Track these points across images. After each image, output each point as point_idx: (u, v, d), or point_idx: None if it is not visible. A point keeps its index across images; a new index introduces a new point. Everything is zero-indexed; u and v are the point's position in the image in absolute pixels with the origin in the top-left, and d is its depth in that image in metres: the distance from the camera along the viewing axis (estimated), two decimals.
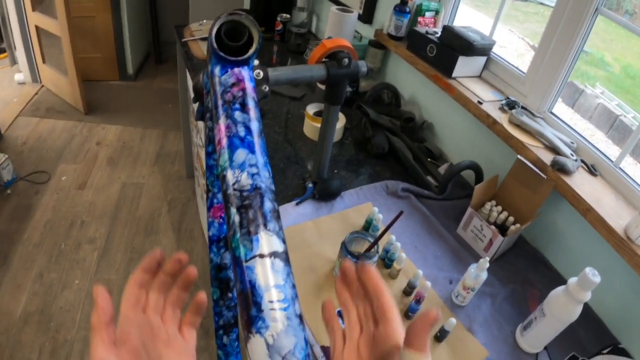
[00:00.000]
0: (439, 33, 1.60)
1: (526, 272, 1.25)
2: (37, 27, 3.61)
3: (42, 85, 3.99)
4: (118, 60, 4.13)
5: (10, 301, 2.16)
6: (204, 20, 2.29)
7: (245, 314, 0.40)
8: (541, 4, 1.36)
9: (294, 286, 0.42)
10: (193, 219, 2.78)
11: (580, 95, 1.94)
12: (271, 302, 0.40)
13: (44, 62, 3.83)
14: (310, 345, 0.97)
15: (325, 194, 1.32)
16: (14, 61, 4.07)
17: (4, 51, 4.24)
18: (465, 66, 1.55)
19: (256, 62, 0.84)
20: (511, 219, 1.27)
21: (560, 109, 1.91)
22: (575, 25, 1.27)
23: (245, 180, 0.47)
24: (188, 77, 2.14)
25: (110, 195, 2.88)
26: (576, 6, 1.26)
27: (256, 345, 0.38)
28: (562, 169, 1.20)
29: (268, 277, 0.41)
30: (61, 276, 2.32)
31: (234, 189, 0.47)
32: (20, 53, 3.86)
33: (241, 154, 0.49)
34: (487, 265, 1.03)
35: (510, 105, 1.42)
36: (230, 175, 0.48)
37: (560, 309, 0.95)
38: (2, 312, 2.11)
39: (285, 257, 0.44)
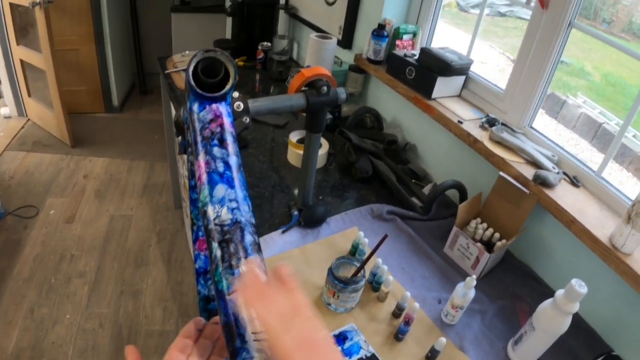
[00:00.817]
0: (417, 55, 1.63)
1: (515, 287, 1.26)
2: (21, 61, 3.63)
3: (28, 119, 3.99)
4: (103, 92, 4.15)
5: (1, 337, 2.14)
6: (187, 52, 2.32)
7: (230, 346, 0.41)
8: (520, 18, 1.39)
9: None
10: (183, 249, 2.78)
11: (563, 106, 1.97)
12: (255, 333, 0.40)
13: (29, 95, 3.84)
14: None
15: (311, 220, 1.33)
16: None
17: None
18: (444, 86, 1.58)
19: (236, 94, 0.86)
20: (497, 235, 1.29)
21: (544, 121, 1.93)
22: (550, 39, 1.31)
23: (225, 215, 0.48)
24: (172, 108, 2.16)
25: (99, 228, 2.87)
26: (550, 21, 1.30)
27: None
28: (544, 183, 1.22)
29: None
30: (52, 311, 2.29)
31: (215, 224, 0.48)
32: (5, 87, 3.87)
33: (221, 190, 0.50)
34: (474, 282, 1.04)
35: (491, 122, 1.45)
36: (210, 211, 0.49)
37: (549, 322, 0.95)
38: None
39: None
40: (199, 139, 0.56)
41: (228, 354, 0.41)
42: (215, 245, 0.46)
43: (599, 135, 1.82)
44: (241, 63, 2.39)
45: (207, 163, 0.52)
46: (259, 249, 0.47)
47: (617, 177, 1.27)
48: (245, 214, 0.49)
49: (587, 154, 1.75)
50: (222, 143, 0.54)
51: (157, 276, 2.57)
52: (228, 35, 2.97)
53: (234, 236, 0.46)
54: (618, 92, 1.91)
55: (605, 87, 2.03)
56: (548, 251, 1.29)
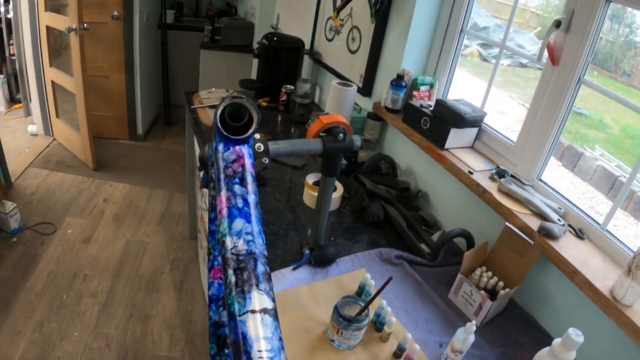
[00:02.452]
0: (433, 106, 1.70)
1: (517, 335, 1.28)
2: (53, 82, 3.78)
3: (54, 139, 4.13)
4: (129, 120, 4.28)
5: (8, 347, 2.18)
6: (213, 89, 2.42)
7: None
8: (540, 69, 1.45)
9: (280, 339, 0.48)
10: (195, 279, 2.82)
11: (580, 158, 1.99)
12: (260, 351, 0.46)
13: (57, 116, 3.97)
14: None
15: (321, 260, 1.38)
16: (28, 112, 4.24)
17: (20, 102, 4.42)
18: (457, 137, 1.64)
19: (257, 136, 0.92)
20: (501, 283, 1.32)
21: (560, 173, 1.95)
22: (560, 95, 1.36)
23: (241, 246, 0.54)
24: (195, 142, 2.24)
25: (114, 251, 2.94)
26: (560, 77, 1.36)
27: None
28: (549, 234, 1.26)
29: (258, 329, 0.47)
30: (61, 327, 2.34)
31: (232, 253, 0.54)
32: (35, 105, 4.02)
33: (239, 223, 0.56)
34: (474, 328, 1.07)
35: (500, 174, 1.50)
36: (228, 241, 0.55)
37: None
38: (0, 358, 2.12)
39: (274, 314, 0.50)
40: (222, 176, 0.62)
41: None
42: (230, 272, 0.52)
43: (615, 188, 1.84)
44: (264, 104, 2.48)
45: (228, 199, 0.58)
46: (269, 278, 0.52)
47: (623, 226, 1.29)
48: (259, 246, 0.54)
49: (603, 207, 1.77)
50: (242, 182, 0.60)
51: (167, 303, 2.61)
52: (253, 75, 3.08)
53: (248, 265, 0.52)
54: (637, 145, 1.92)
55: (623, 140, 2.04)
56: (551, 301, 1.32)
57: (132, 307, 2.54)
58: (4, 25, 4.15)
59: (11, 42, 4.12)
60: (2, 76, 4.46)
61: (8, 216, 2.81)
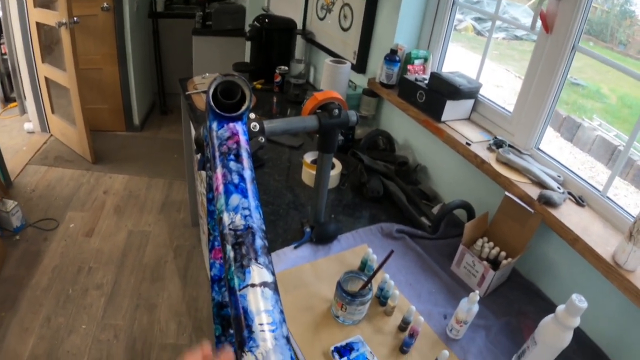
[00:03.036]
0: (427, 79, 1.69)
1: (520, 304, 1.29)
2: (46, 78, 3.75)
3: (51, 135, 4.11)
4: (124, 111, 4.26)
5: (17, 344, 2.20)
6: (207, 74, 2.40)
7: (238, 336, 0.46)
8: (535, 41, 1.44)
9: (282, 312, 0.48)
10: (198, 265, 2.83)
11: (578, 128, 1.99)
12: (261, 324, 0.46)
13: (52, 112, 3.95)
14: None
15: (322, 237, 1.38)
16: (23, 110, 4.22)
17: (14, 100, 4.40)
18: (453, 110, 1.63)
19: (253, 115, 0.92)
20: (503, 253, 1.32)
21: (559, 144, 1.95)
22: (555, 63, 1.35)
23: (239, 221, 0.54)
24: (192, 128, 2.23)
25: (117, 242, 2.95)
26: (554, 45, 1.35)
27: None
28: (549, 202, 1.26)
29: (259, 303, 0.47)
30: (68, 320, 2.36)
31: (229, 229, 0.53)
32: (29, 103, 3.99)
33: (235, 199, 0.56)
34: (478, 298, 1.08)
35: (498, 144, 1.49)
36: (226, 217, 0.55)
37: (550, 337, 0.98)
38: (9, 355, 2.14)
39: (274, 287, 0.50)
40: (217, 154, 0.62)
41: (237, 343, 0.46)
42: (229, 247, 0.52)
43: (614, 158, 1.84)
44: (259, 86, 2.47)
45: (223, 175, 0.58)
46: (268, 252, 0.52)
47: (623, 194, 1.29)
48: (257, 221, 0.54)
49: (603, 177, 1.77)
50: (237, 158, 0.60)
51: (172, 291, 2.62)
52: (247, 58, 3.05)
53: (246, 239, 0.52)
54: (634, 114, 1.92)
55: (621, 109, 2.04)
56: (553, 269, 1.32)
57: (137, 297, 2.56)
58: None
59: (2, 41, 4.09)
60: None
61: (10, 214, 2.81)
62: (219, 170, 0.59)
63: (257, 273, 0.50)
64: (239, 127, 0.64)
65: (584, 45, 1.32)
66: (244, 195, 0.56)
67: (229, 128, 0.64)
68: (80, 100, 3.44)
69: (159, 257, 2.86)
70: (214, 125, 0.65)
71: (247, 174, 0.59)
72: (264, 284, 0.49)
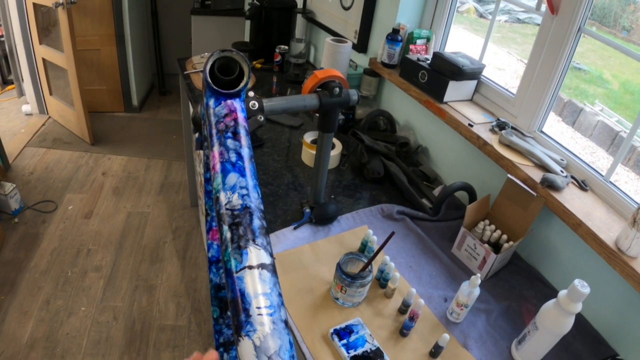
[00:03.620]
0: (430, 59, 1.66)
1: (521, 288, 1.28)
2: (44, 60, 3.71)
3: (49, 117, 4.08)
4: (123, 92, 4.23)
5: (16, 327, 2.20)
6: (205, 53, 2.37)
7: (235, 320, 0.44)
8: (538, 25, 1.41)
9: (280, 295, 0.46)
10: (198, 247, 2.82)
11: (580, 113, 1.97)
12: (259, 308, 0.44)
13: (50, 94, 3.92)
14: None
15: (322, 218, 1.36)
16: (21, 93, 4.19)
17: (12, 83, 4.37)
18: (456, 90, 1.60)
19: (251, 93, 0.89)
20: (504, 237, 1.31)
21: (560, 128, 1.94)
22: (560, 45, 1.33)
23: (236, 200, 0.52)
24: (191, 108, 2.21)
25: (116, 224, 2.94)
26: (559, 27, 1.32)
27: (245, 347, 0.42)
28: (552, 186, 1.24)
29: (256, 286, 0.46)
30: (67, 303, 2.35)
31: (226, 209, 0.52)
32: (27, 85, 3.96)
33: (232, 177, 0.54)
34: (479, 281, 1.06)
35: (501, 126, 1.47)
36: (223, 197, 0.53)
37: (552, 322, 0.97)
38: (9, 338, 2.14)
39: (272, 269, 0.48)
40: (214, 131, 0.60)
41: (234, 327, 0.45)
42: (225, 227, 0.50)
43: (616, 144, 1.83)
44: (259, 65, 2.44)
45: (221, 154, 0.56)
46: (266, 233, 0.51)
47: (625, 179, 1.28)
48: (255, 201, 0.52)
49: (604, 162, 1.76)
50: (235, 136, 0.58)
51: (171, 272, 2.61)
52: (246, 38, 3.02)
53: (244, 220, 0.50)
54: (636, 101, 1.90)
55: (623, 95, 2.03)
56: (555, 253, 1.31)
57: (136, 278, 2.55)
58: None
59: None
60: None
61: (8, 197, 2.79)
62: (216, 148, 0.57)
63: (255, 254, 0.48)
64: (237, 104, 0.62)
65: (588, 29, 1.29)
66: (242, 174, 0.54)
67: (226, 105, 0.61)
68: (79, 82, 3.41)
69: (158, 239, 2.85)
70: (211, 102, 0.63)
71: (245, 152, 0.57)
72: (261, 266, 0.47)
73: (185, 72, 2.21)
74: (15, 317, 2.25)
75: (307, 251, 1.27)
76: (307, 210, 1.37)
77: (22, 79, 4.00)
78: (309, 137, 1.67)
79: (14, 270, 2.50)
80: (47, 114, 4.10)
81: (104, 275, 2.54)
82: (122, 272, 2.58)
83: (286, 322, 0.45)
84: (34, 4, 3.43)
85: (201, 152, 1.02)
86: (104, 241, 2.78)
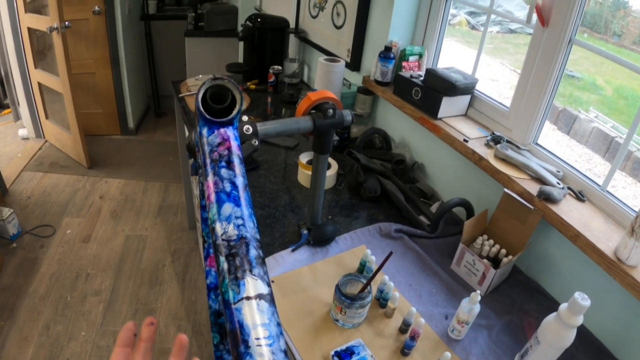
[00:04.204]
0: (423, 76, 1.67)
1: (522, 302, 1.28)
2: (39, 84, 3.72)
3: (46, 141, 4.08)
4: (119, 114, 4.23)
5: (17, 353, 2.18)
6: (200, 75, 2.38)
7: (234, 351, 0.44)
8: (530, 34, 1.42)
9: (279, 324, 0.46)
10: (197, 269, 2.81)
11: (575, 121, 1.98)
12: (258, 339, 0.44)
13: (46, 117, 3.92)
14: None
15: (320, 239, 1.36)
16: (17, 117, 4.20)
17: (8, 107, 4.37)
18: (450, 106, 1.61)
19: (245, 117, 0.90)
20: (503, 251, 1.31)
21: (556, 137, 1.94)
22: (552, 56, 1.34)
23: (232, 231, 0.52)
24: (186, 131, 2.21)
25: (115, 247, 2.92)
26: (550, 38, 1.33)
27: None
28: (548, 198, 1.24)
29: (254, 316, 0.45)
30: (67, 328, 2.34)
31: (222, 239, 0.52)
32: (23, 109, 3.96)
33: (228, 208, 0.54)
34: (479, 298, 1.06)
35: (496, 140, 1.48)
36: (218, 227, 0.53)
37: (553, 336, 0.96)
38: None
39: (270, 299, 0.48)
40: (208, 161, 0.60)
41: (233, 358, 0.44)
42: (222, 258, 0.50)
43: (611, 150, 1.83)
44: (253, 86, 2.45)
45: (215, 183, 0.56)
46: (263, 262, 0.51)
47: (622, 186, 1.28)
48: (251, 230, 0.52)
49: (601, 169, 1.76)
50: (229, 165, 0.58)
51: (171, 295, 2.60)
52: (240, 59, 3.04)
53: (240, 250, 0.50)
54: (631, 105, 1.91)
55: (617, 101, 2.04)
56: (554, 266, 1.31)
57: (136, 302, 2.54)
58: None
59: None
60: None
61: (5, 222, 2.78)
62: (210, 178, 0.57)
63: (252, 285, 0.48)
64: (230, 132, 0.62)
65: (579, 38, 1.31)
66: (237, 203, 0.54)
67: (219, 134, 0.62)
68: (74, 105, 3.41)
69: (157, 262, 2.84)
70: (204, 131, 0.63)
71: (240, 181, 0.57)
72: (259, 297, 0.47)
73: (180, 95, 2.22)
74: (15, 343, 2.23)
75: (305, 273, 1.27)
76: (305, 231, 1.37)
77: (18, 103, 4.01)
78: (304, 157, 1.67)
79: (13, 296, 2.48)
80: (44, 137, 4.10)
81: (103, 299, 2.53)
82: (121, 295, 2.56)
83: (285, 352, 0.45)
84: (29, 28, 3.45)
85: (197, 177, 1.02)
86: (103, 265, 2.77)
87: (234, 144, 0.61)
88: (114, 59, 3.92)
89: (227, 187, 0.56)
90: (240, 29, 2.51)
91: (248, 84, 2.46)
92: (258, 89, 2.44)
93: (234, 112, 0.64)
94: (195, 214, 2.76)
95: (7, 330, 2.29)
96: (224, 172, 0.57)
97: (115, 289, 2.60)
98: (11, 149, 3.93)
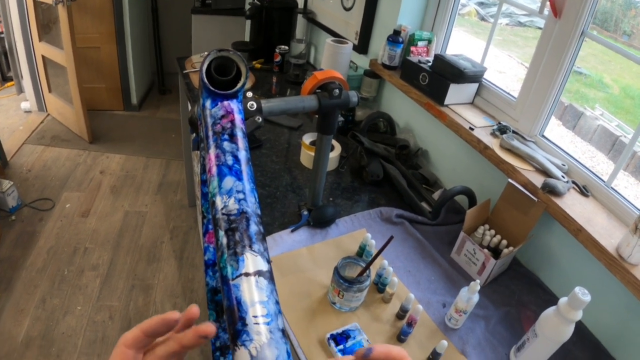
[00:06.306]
0: (431, 62, 1.65)
1: (520, 294, 1.27)
2: (43, 57, 3.70)
3: (48, 114, 4.07)
4: (122, 90, 4.21)
5: (12, 325, 2.19)
6: (205, 52, 2.35)
7: (231, 329, 0.43)
8: (539, 28, 1.40)
9: (277, 302, 0.45)
10: (195, 247, 2.81)
11: (580, 118, 1.97)
12: (255, 317, 0.42)
13: (49, 91, 3.91)
14: None
15: (320, 221, 1.35)
16: (20, 90, 4.17)
17: (11, 80, 4.36)
18: (457, 93, 1.59)
19: (250, 94, 0.88)
20: (504, 242, 1.30)
21: (560, 132, 1.93)
22: (563, 48, 1.31)
23: (232, 205, 0.50)
24: (190, 107, 2.19)
25: (113, 223, 2.92)
26: (562, 30, 1.31)
27: (241, 357, 0.41)
28: (553, 191, 1.23)
29: (253, 294, 0.44)
30: (64, 302, 2.34)
31: (222, 214, 0.50)
32: (26, 82, 3.95)
33: (229, 181, 0.52)
34: (478, 287, 1.05)
35: (502, 130, 1.46)
36: (219, 201, 0.51)
37: (552, 329, 0.96)
38: (4, 337, 2.13)
39: (270, 276, 0.47)
40: (210, 133, 0.58)
41: (230, 336, 0.43)
42: (221, 233, 0.49)
43: (615, 148, 1.82)
44: (258, 65, 2.43)
45: (217, 156, 0.55)
46: (263, 239, 0.49)
47: (625, 185, 1.27)
48: (252, 205, 0.51)
49: (603, 167, 1.75)
50: (232, 138, 0.57)
51: (168, 272, 2.60)
52: (247, 37, 3.01)
53: (240, 225, 0.49)
54: (637, 105, 1.90)
55: (623, 100, 2.03)
56: (555, 259, 1.30)
57: (133, 277, 2.54)
58: None
59: None
60: None
61: (5, 195, 2.78)
62: (212, 151, 0.56)
63: (252, 261, 0.46)
64: (233, 105, 0.61)
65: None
66: (239, 177, 0.53)
67: (223, 106, 0.60)
68: (78, 80, 3.39)
69: (155, 238, 2.84)
70: (208, 103, 0.62)
71: (242, 154, 0.56)
72: (258, 273, 0.46)
73: (185, 72, 2.20)
74: (11, 315, 2.23)
75: (304, 254, 1.26)
76: (305, 212, 1.36)
77: (22, 76, 3.99)
78: (308, 138, 1.66)
79: (11, 268, 2.49)
80: (46, 111, 4.08)
81: (100, 274, 2.53)
82: (118, 271, 2.56)
83: (283, 331, 0.44)
84: (34, 1, 3.41)
85: (198, 152, 1.00)
86: (101, 240, 2.77)
87: (238, 117, 0.59)
88: (119, 34, 3.90)
89: (229, 160, 0.54)
90: (247, 7, 2.48)
91: (254, 62, 2.43)
92: (263, 68, 2.42)
93: (239, 84, 0.62)
94: (195, 191, 2.75)
95: (3, 303, 2.29)
96: (226, 145, 0.55)
97: (112, 264, 2.60)
98: (13, 121, 3.92)
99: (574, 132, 1.99)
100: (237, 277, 0.45)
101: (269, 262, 0.48)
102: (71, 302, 2.34)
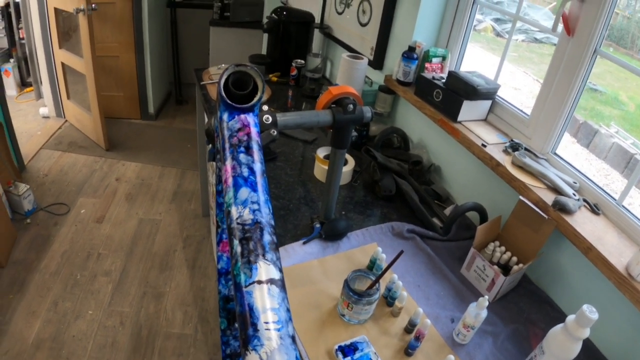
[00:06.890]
0: (445, 78, 1.66)
1: (529, 312, 1.27)
2: (63, 64, 3.77)
3: (66, 120, 4.13)
4: (140, 99, 4.27)
5: (24, 327, 2.22)
6: (223, 65, 2.39)
7: (243, 334, 0.45)
8: (555, 45, 1.41)
9: (288, 310, 0.47)
10: (207, 256, 2.83)
11: (595, 135, 1.96)
12: (267, 323, 0.44)
13: (68, 97, 3.97)
14: None
15: (332, 234, 1.36)
16: (39, 95, 4.25)
17: (31, 85, 4.43)
18: (470, 110, 1.60)
19: (266, 107, 0.90)
20: (514, 259, 1.30)
21: (575, 150, 1.92)
22: (575, 66, 1.32)
23: (247, 215, 0.52)
24: (206, 119, 2.23)
25: (127, 230, 2.96)
26: (575, 48, 1.32)
27: None
28: (563, 209, 1.23)
29: (265, 301, 0.46)
30: (75, 305, 2.37)
31: (237, 223, 0.52)
32: (45, 88, 4.02)
33: (244, 192, 0.54)
34: (487, 303, 1.06)
35: (514, 147, 1.47)
36: (234, 211, 0.53)
37: (559, 347, 0.96)
38: (16, 337, 2.16)
39: (281, 284, 0.48)
40: (227, 145, 0.60)
41: (241, 341, 0.45)
42: (236, 242, 0.51)
43: (630, 167, 1.81)
44: (275, 79, 2.46)
45: (233, 168, 0.57)
46: (276, 248, 0.51)
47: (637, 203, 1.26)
48: (266, 216, 0.53)
49: (618, 185, 1.74)
50: (248, 150, 0.59)
51: (180, 281, 2.62)
52: (264, 50, 3.04)
53: (254, 235, 0.50)
54: None
55: (639, 118, 2.02)
56: (564, 277, 1.30)
57: (145, 284, 2.56)
58: (12, 10, 4.14)
59: (20, 26, 4.12)
60: (12, 60, 4.47)
61: (21, 198, 2.83)
62: (229, 163, 0.58)
63: (264, 269, 0.48)
64: (250, 118, 0.63)
65: (605, 51, 1.29)
66: (254, 189, 0.55)
67: (239, 119, 0.62)
68: (96, 87, 3.45)
69: (169, 247, 2.87)
70: (225, 116, 0.64)
71: (257, 167, 0.58)
72: (270, 281, 0.48)
73: (202, 83, 2.24)
74: (23, 317, 2.26)
75: (315, 266, 1.27)
76: (317, 225, 1.38)
77: (41, 82, 4.07)
78: (322, 152, 1.68)
79: (24, 270, 2.53)
80: (64, 117, 4.15)
81: (113, 279, 2.56)
82: (131, 277, 2.59)
83: (293, 338, 0.45)
84: (55, 9, 3.49)
85: (214, 164, 1.02)
86: (115, 246, 2.80)
87: (254, 131, 0.62)
88: (138, 43, 3.96)
89: (245, 172, 0.56)
90: (265, 21, 2.52)
91: (270, 76, 2.47)
92: (280, 81, 2.45)
93: (256, 98, 0.64)
94: (210, 201, 2.77)
95: (16, 304, 2.32)
96: (242, 157, 0.58)
97: (125, 271, 2.63)
98: (31, 126, 3.99)
99: (589, 149, 1.98)
100: (250, 284, 0.47)
101: (281, 271, 0.50)
102: (83, 306, 2.37)
